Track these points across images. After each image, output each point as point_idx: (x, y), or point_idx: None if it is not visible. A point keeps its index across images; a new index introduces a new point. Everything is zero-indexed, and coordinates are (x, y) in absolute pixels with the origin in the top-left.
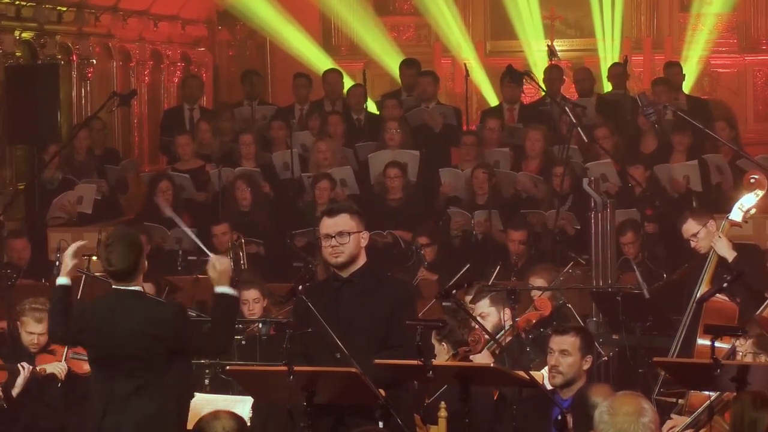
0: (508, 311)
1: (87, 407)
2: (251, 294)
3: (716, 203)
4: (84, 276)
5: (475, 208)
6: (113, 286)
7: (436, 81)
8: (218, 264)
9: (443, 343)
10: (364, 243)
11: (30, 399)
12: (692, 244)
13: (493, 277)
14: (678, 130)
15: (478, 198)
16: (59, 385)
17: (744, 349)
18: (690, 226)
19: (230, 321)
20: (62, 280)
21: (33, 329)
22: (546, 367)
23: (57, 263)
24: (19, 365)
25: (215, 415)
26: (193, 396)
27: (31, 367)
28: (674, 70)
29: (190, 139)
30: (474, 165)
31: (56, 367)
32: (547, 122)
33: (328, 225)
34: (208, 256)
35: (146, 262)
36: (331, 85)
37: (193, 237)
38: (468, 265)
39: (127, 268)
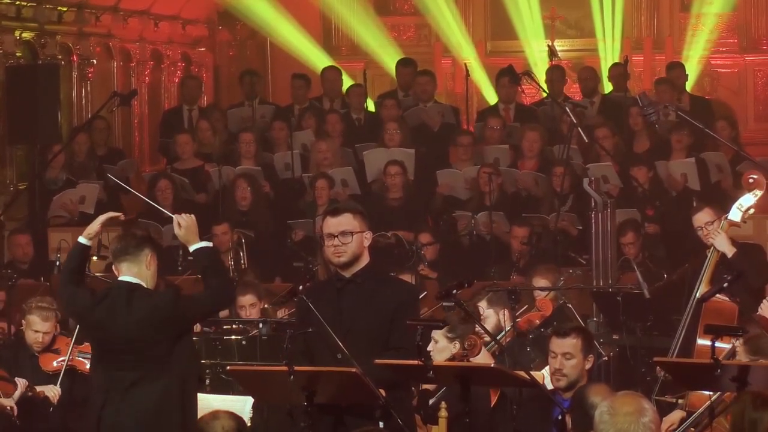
0: (506, 312)
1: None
2: (247, 299)
3: (715, 202)
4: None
5: (484, 207)
6: (119, 278)
7: (434, 80)
8: (182, 221)
9: (455, 342)
10: (367, 243)
11: (31, 399)
12: (701, 233)
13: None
14: (677, 128)
15: (487, 197)
16: (51, 409)
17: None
18: (705, 215)
19: (220, 269)
20: (83, 240)
21: (39, 328)
22: (546, 368)
23: (57, 263)
24: (16, 379)
25: (215, 415)
26: (200, 383)
27: (27, 383)
28: (677, 71)
29: (190, 138)
30: (470, 164)
31: (51, 391)
32: (544, 122)
33: (331, 224)
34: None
35: (155, 258)
36: (329, 82)
37: (149, 201)
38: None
39: (132, 249)
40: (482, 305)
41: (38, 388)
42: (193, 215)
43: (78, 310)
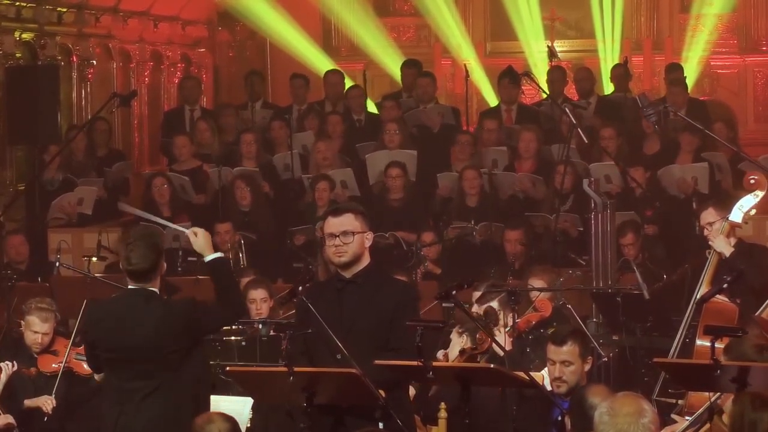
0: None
1: (87, 408)
2: (259, 293)
3: (721, 203)
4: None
5: (466, 209)
6: (129, 286)
7: (434, 82)
8: (198, 233)
9: (464, 336)
10: (368, 243)
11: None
12: (705, 232)
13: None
14: (688, 131)
15: (469, 199)
16: (45, 419)
17: None
18: (709, 215)
19: (233, 282)
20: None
21: (38, 329)
22: (546, 369)
23: (57, 264)
24: (2, 364)
25: (209, 418)
26: (211, 392)
27: (12, 366)
28: (677, 73)
29: (188, 140)
30: (468, 164)
31: (44, 403)
32: (546, 123)
33: (333, 224)
34: (184, 232)
35: (164, 264)
36: (332, 86)
37: (164, 222)
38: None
39: (148, 268)
40: (494, 305)
41: (29, 402)
42: (204, 230)
43: (95, 331)
